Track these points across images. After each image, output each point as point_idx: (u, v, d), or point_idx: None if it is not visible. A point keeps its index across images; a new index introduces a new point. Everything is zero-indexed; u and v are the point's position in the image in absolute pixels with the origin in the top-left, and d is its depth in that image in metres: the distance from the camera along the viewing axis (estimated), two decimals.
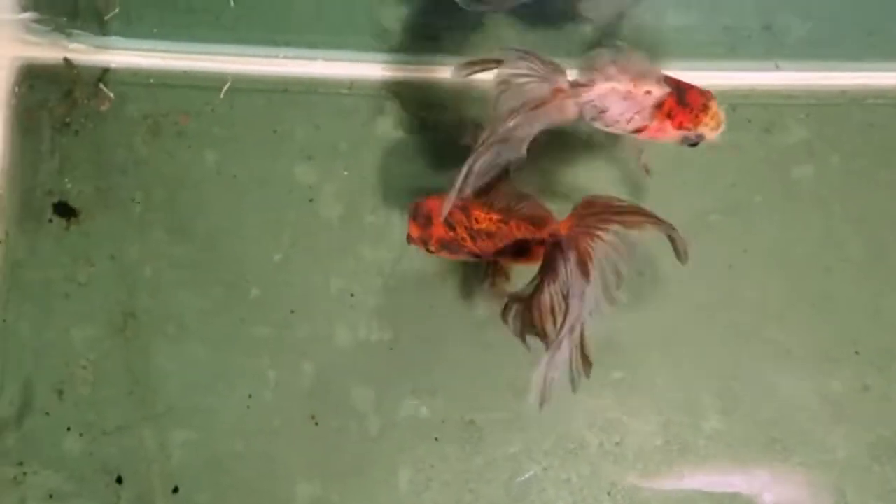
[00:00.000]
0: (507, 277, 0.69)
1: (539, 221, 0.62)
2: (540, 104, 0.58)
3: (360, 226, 0.75)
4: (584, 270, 0.57)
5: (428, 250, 0.66)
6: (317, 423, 0.72)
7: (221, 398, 0.72)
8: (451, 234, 0.64)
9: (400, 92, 0.76)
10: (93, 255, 0.73)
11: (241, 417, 0.72)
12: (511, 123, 0.57)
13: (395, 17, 0.76)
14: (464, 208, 0.63)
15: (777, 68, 0.74)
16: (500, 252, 0.64)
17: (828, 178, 0.74)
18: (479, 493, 0.71)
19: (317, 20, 0.75)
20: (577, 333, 0.57)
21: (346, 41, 0.75)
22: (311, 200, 0.75)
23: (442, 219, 0.61)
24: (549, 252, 0.60)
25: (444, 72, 0.75)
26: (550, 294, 0.59)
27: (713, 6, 0.75)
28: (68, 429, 0.72)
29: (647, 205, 0.70)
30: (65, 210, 0.73)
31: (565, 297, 0.57)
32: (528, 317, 0.60)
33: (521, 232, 0.62)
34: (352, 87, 0.76)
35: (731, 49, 0.75)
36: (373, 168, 0.75)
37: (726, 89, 0.74)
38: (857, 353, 0.71)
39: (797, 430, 0.71)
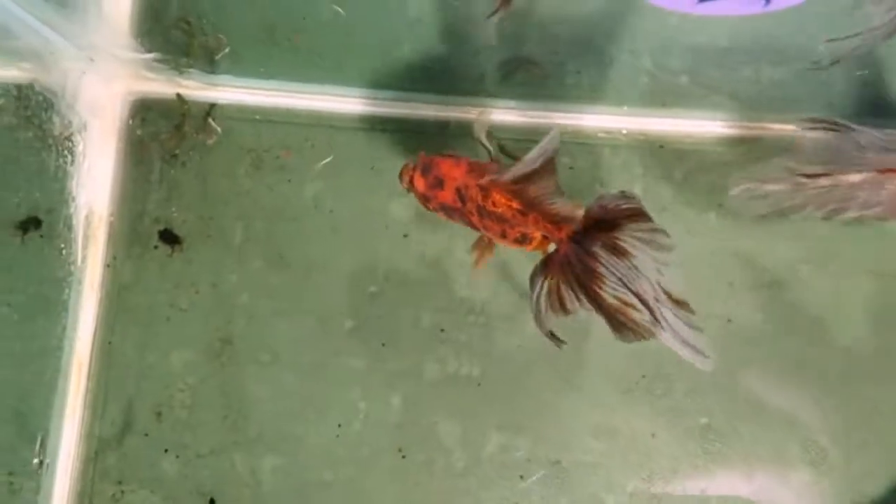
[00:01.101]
0: (491, 252, 0.69)
1: (562, 221, 0.60)
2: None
3: (452, 262, 0.76)
4: (622, 252, 0.56)
5: (425, 206, 0.66)
6: (404, 456, 0.74)
7: (311, 426, 0.74)
8: (459, 204, 0.64)
9: (492, 132, 0.77)
10: (194, 281, 0.76)
11: (330, 446, 0.74)
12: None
13: (492, 64, 0.77)
14: (482, 187, 0.62)
15: None
16: (501, 234, 0.63)
17: None
18: None
19: (416, 67, 0.78)
20: (659, 294, 0.55)
21: (445, 86, 0.77)
22: (405, 236, 0.77)
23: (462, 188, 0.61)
24: (566, 249, 0.58)
25: (540, 117, 0.77)
26: (568, 286, 0.58)
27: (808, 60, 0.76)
28: (165, 450, 0.74)
29: (739, 255, 0.71)
30: (170, 237, 0.76)
31: (624, 285, 0.55)
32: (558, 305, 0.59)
33: (537, 227, 0.61)
34: (448, 128, 0.78)
35: (828, 102, 0.76)
36: None
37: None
38: None
39: (889, 483, 0.70)
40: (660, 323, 0.55)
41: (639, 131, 0.76)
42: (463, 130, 0.78)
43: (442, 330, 0.75)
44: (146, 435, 0.74)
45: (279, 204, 0.78)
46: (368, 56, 0.78)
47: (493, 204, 0.62)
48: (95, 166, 0.76)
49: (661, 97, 0.76)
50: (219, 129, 0.78)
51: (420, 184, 0.65)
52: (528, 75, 0.77)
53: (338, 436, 0.74)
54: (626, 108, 0.76)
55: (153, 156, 0.77)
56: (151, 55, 0.76)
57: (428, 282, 0.76)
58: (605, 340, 0.71)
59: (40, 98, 0.75)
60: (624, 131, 0.76)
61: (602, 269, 0.56)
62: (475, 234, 0.68)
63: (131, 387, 0.74)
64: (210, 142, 0.78)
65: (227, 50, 0.78)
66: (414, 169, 0.65)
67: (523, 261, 0.74)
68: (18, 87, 0.76)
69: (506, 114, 0.77)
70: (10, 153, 0.76)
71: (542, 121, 0.77)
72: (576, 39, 0.77)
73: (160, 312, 0.76)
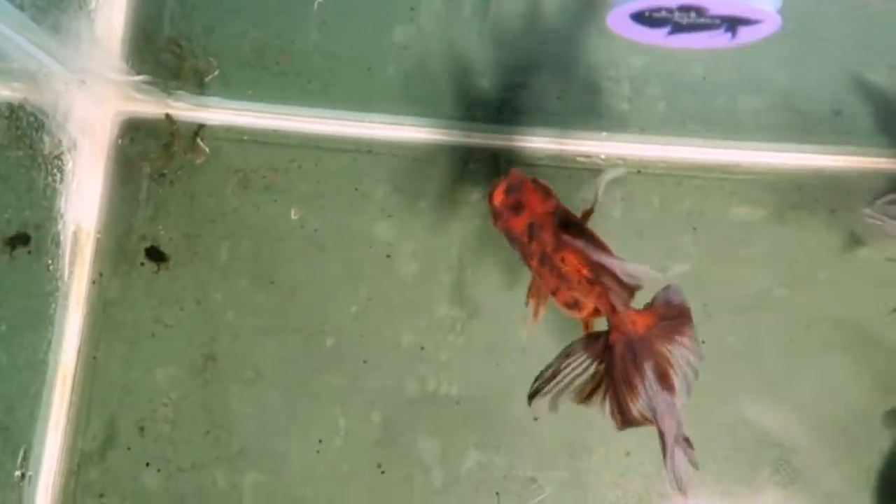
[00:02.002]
0: (546, 302, 0.63)
1: (619, 309, 0.56)
2: None
3: (434, 283, 0.78)
4: (668, 384, 0.54)
5: (492, 220, 0.62)
6: (383, 472, 0.75)
7: (293, 443, 0.75)
8: (525, 238, 0.60)
9: (480, 157, 0.79)
10: (179, 298, 0.77)
11: (310, 463, 0.75)
12: None
13: (477, 89, 0.79)
14: (558, 239, 0.58)
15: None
16: (553, 290, 0.59)
17: (891, 256, 0.75)
18: None
19: (402, 89, 0.79)
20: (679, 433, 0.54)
21: (430, 110, 0.79)
22: (388, 257, 0.78)
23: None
24: (617, 348, 0.55)
25: (520, 141, 0.79)
26: (617, 389, 0.55)
27: (785, 90, 0.78)
28: (147, 464, 0.75)
29: (713, 278, 0.73)
30: (156, 255, 0.78)
31: (653, 413, 0.54)
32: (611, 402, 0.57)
33: (595, 301, 0.57)
34: (433, 152, 0.80)
35: (802, 131, 0.78)
36: (449, 229, 0.78)
37: (795, 169, 0.77)
38: None
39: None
40: (667, 457, 0.54)
41: (617, 156, 0.78)
42: (446, 154, 0.79)
43: (422, 349, 0.76)
44: (129, 449, 0.75)
45: (265, 223, 0.79)
46: (354, 79, 0.80)
47: (563, 260, 0.58)
48: (84, 185, 0.77)
49: (639, 123, 0.78)
50: (207, 149, 0.79)
51: (498, 198, 0.61)
52: (515, 99, 0.78)
53: (318, 452, 0.75)
54: (605, 133, 0.78)
55: (141, 175, 0.79)
56: (142, 77, 0.78)
57: (409, 302, 0.77)
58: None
59: (31, 118, 0.76)
60: (602, 156, 0.78)
61: (641, 390, 0.54)
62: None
63: (115, 401, 0.75)
64: (198, 161, 0.79)
65: (216, 72, 0.80)
66: (500, 181, 0.62)
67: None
68: (10, 106, 0.77)
69: (487, 138, 0.79)
70: (1, 171, 0.77)
71: (522, 144, 0.78)
72: (557, 65, 0.79)
73: (145, 328, 0.77)
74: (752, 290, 0.76)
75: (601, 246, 0.58)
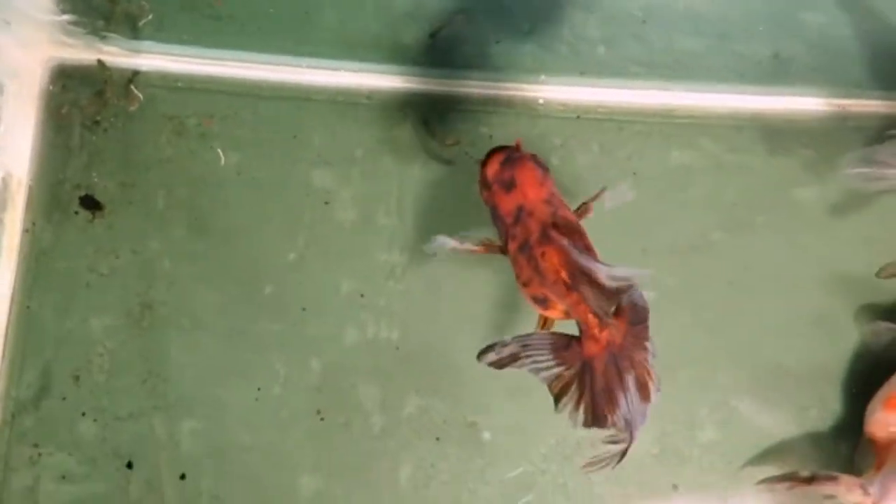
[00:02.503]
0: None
1: (603, 322, 0.54)
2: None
3: (372, 229, 0.77)
4: (646, 394, 0.54)
5: (480, 192, 0.60)
6: (322, 419, 0.74)
7: (231, 391, 0.75)
8: (509, 220, 0.57)
9: (417, 104, 0.78)
10: (115, 247, 0.76)
11: (249, 410, 0.74)
12: None
13: (414, 33, 0.78)
14: (545, 233, 0.55)
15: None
16: (525, 281, 0.57)
17: (829, 200, 0.76)
18: (478, 492, 0.73)
19: (339, 34, 0.78)
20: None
21: (367, 54, 0.78)
22: (326, 203, 0.77)
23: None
24: (597, 362, 0.54)
25: (458, 86, 0.78)
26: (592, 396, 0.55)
27: (724, 33, 0.78)
28: (83, 413, 0.74)
29: (653, 221, 0.73)
30: (90, 203, 0.76)
31: (628, 423, 0.54)
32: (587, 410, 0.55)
33: (570, 307, 0.55)
34: (370, 98, 0.79)
35: (740, 74, 0.77)
36: (387, 175, 0.78)
37: (733, 112, 0.77)
38: (853, 369, 0.73)
39: (791, 442, 0.72)
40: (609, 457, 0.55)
41: (556, 101, 0.78)
42: (384, 100, 0.79)
43: (362, 295, 0.76)
44: (64, 398, 0.74)
45: (201, 171, 0.78)
46: (291, 23, 0.79)
47: (543, 255, 0.55)
48: (14, 131, 0.76)
49: (578, 67, 0.78)
50: (141, 96, 0.78)
51: (492, 169, 0.58)
52: (453, 43, 0.78)
53: (257, 399, 0.75)
54: (543, 77, 0.77)
55: (74, 122, 0.78)
56: (70, 17, 0.76)
57: (348, 248, 0.77)
58: (521, 306, 0.73)
59: None
60: (541, 101, 0.78)
61: (623, 402, 0.54)
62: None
63: (49, 351, 0.75)
64: (132, 108, 0.78)
65: (149, 17, 0.79)
66: (498, 152, 0.59)
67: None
68: None
69: (425, 83, 0.78)
70: None
71: (461, 88, 0.78)
72: (496, 9, 0.78)
73: (80, 278, 0.76)
74: (691, 234, 0.76)
75: (588, 248, 0.56)
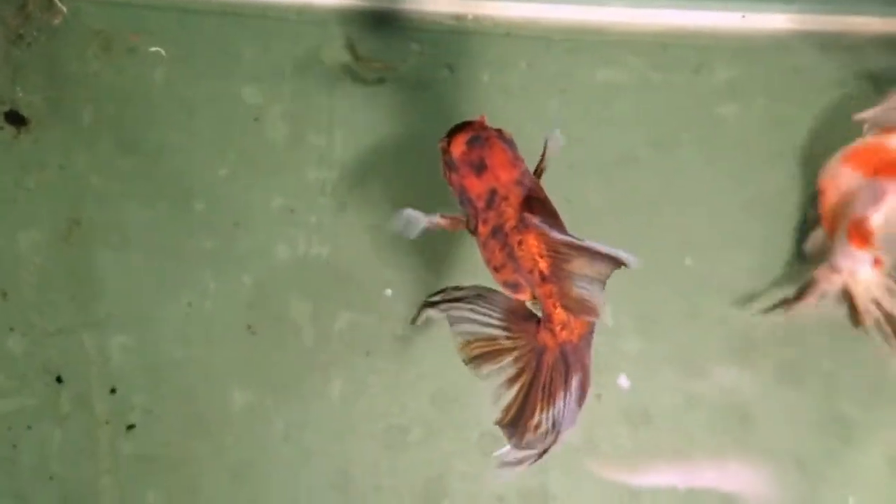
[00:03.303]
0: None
1: (564, 319, 0.53)
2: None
3: (303, 146, 0.77)
4: (583, 397, 0.54)
5: (444, 173, 0.56)
6: (254, 333, 0.75)
7: (161, 306, 0.75)
8: (480, 204, 0.54)
9: (347, 20, 0.78)
10: (42, 162, 0.76)
11: (180, 325, 0.75)
12: None
13: None
14: (521, 221, 0.53)
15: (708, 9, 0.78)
16: (496, 265, 0.55)
17: (751, 119, 0.77)
18: (406, 404, 0.74)
19: None
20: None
21: None
22: (256, 120, 0.77)
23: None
24: (547, 356, 0.53)
25: (389, 2, 0.78)
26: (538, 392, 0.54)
27: None
28: (11, 329, 0.74)
29: (579, 139, 0.74)
30: (15, 118, 0.75)
31: (554, 424, 0.53)
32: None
33: (546, 300, 0.53)
34: (301, 13, 0.78)
35: None
36: (318, 92, 0.78)
37: (658, 29, 0.78)
38: (774, 284, 0.75)
39: (713, 352, 0.74)
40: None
41: (486, 17, 0.78)
42: (315, 16, 0.78)
43: (292, 211, 0.76)
44: None
45: (129, 87, 0.77)
46: None
47: (520, 244, 0.53)
48: None
49: None
50: (64, 9, 0.77)
51: (458, 150, 0.53)
52: None
53: (188, 315, 0.75)
54: None
55: None
56: None
57: (279, 165, 0.77)
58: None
59: None
60: (471, 17, 0.78)
61: (560, 404, 0.53)
62: None
63: None
64: (56, 22, 0.77)
65: None
66: (463, 128, 0.54)
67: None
68: None
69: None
70: None
71: (391, 5, 0.78)
72: None
73: (6, 193, 0.75)
74: (617, 151, 0.77)
75: (556, 219, 0.55)
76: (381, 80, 0.78)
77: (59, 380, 0.74)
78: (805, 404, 0.73)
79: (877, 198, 0.66)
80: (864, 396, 0.73)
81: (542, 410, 0.53)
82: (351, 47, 0.77)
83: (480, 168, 0.54)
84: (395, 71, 0.78)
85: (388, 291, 0.75)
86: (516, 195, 0.54)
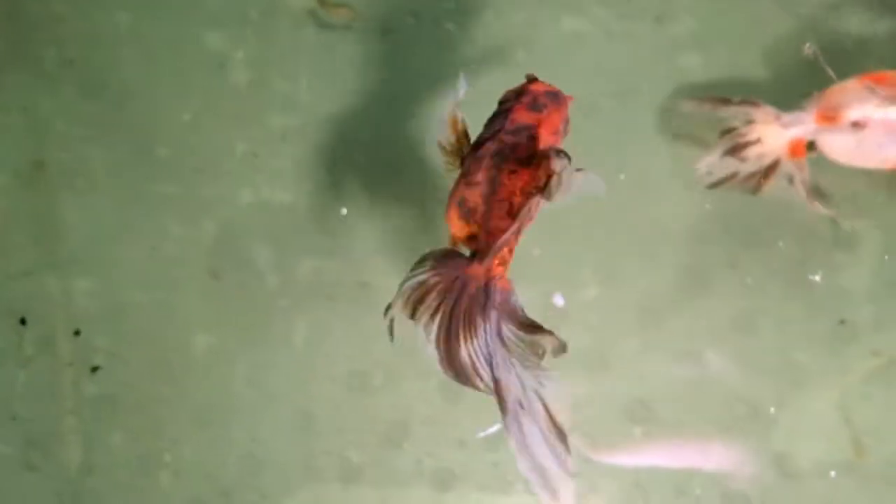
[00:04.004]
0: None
1: (501, 262, 0.55)
2: None
3: (267, 92, 0.77)
4: (504, 344, 0.53)
5: (508, 94, 0.59)
6: (216, 278, 0.76)
7: (125, 250, 0.75)
8: (507, 128, 0.56)
9: None
10: (4, 104, 0.76)
11: (143, 269, 0.75)
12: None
13: None
14: (531, 160, 0.55)
15: None
16: (465, 182, 0.56)
17: (713, 69, 0.78)
18: (370, 350, 0.75)
19: None
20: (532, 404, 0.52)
21: None
22: (220, 65, 0.77)
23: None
24: (471, 285, 0.54)
25: None
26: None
27: None
28: None
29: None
30: None
31: (489, 364, 0.52)
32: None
33: (490, 229, 0.55)
34: None
35: None
36: (282, 38, 0.78)
37: None
38: (726, 231, 0.75)
39: (668, 300, 0.75)
40: (508, 422, 0.52)
41: None
42: None
43: (256, 156, 0.77)
44: None
45: (93, 30, 0.77)
46: None
47: (512, 173, 0.55)
48: None
49: None
50: None
51: (538, 87, 0.58)
52: None
53: (151, 258, 0.75)
54: None
55: None
56: None
57: (242, 110, 0.77)
58: (414, 167, 0.75)
59: None
60: None
61: (481, 333, 0.52)
62: None
63: None
64: None
65: None
66: (550, 86, 0.58)
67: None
68: None
69: None
70: None
71: None
72: None
73: None
74: (580, 101, 0.77)
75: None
76: (346, 27, 0.78)
77: (22, 322, 0.74)
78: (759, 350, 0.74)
79: (867, 98, 0.67)
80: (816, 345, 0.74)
81: (465, 340, 0.53)
82: None
83: (537, 109, 0.57)
84: (361, 17, 0.78)
85: (351, 237, 0.76)
86: (543, 142, 0.56)
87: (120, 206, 0.76)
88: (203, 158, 0.76)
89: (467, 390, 0.65)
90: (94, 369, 0.74)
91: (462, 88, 0.60)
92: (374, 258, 0.76)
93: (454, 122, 0.59)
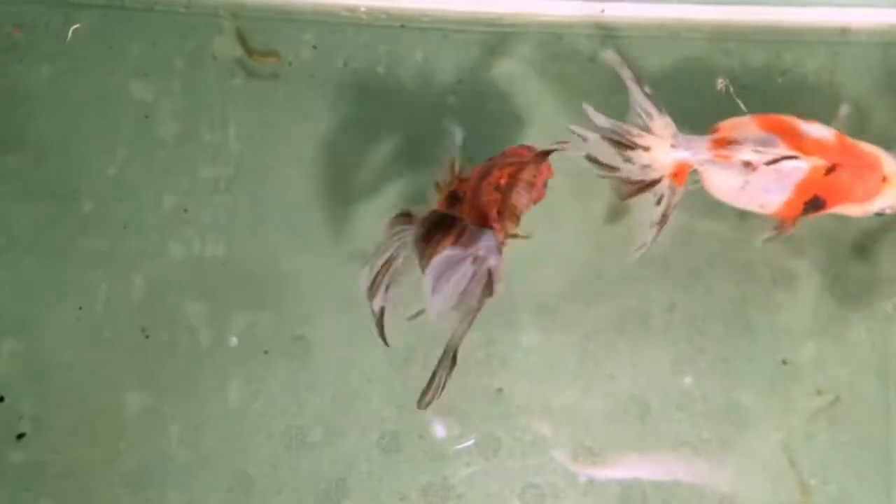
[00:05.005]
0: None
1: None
2: None
3: (196, 144, 0.76)
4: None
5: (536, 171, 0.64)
6: (147, 336, 0.73)
7: (50, 310, 0.73)
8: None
9: (238, 13, 0.76)
10: None
11: (70, 329, 0.73)
12: None
13: None
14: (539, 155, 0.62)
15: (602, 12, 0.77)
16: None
17: None
18: (306, 404, 0.73)
19: None
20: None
21: None
22: (146, 117, 0.75)
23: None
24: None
25: None
26: None
27: None
28: None
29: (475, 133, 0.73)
30: None
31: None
32: None
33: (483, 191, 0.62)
34: (189, 7, 0.77)
35: None
36: (209, 87, 0.76)
37: (554, 20, 0.77)
38: (665, 272, 0.75)
39: (608, 342, 0.74)
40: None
41: (379, 9, 0.77)
42: (205, 9, 0.77)
43: (185, 210, 0.75)
44: None
45: (11, 84, 0.75)
46: None
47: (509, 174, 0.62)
48: None
49: None
50: None
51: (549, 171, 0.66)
52: None
53: (78, 319, 0.73)
54: None
55: None
56: None
57: (170, 163, 0.75)
58: (348, 216, 0.73)
59: None
60: (363, 9, 0.77)
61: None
62: None
63: None
64: None
65: None
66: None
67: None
68: None
69: None
70: None
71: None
72: None
73: None
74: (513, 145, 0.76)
75: None
76: (275, 75, 0.77)
77: None
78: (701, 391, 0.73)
79: (763, 142, 0.66)
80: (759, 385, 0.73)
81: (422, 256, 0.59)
82: (242, 41, 0.76)
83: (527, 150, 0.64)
84: (289, 65, 0.76)
85: (286, 290, 0.74)
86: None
87: (45, 265, 0.73)
88: (130, 213, 0.74)
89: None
90: (20, 436, 0.72)
91: (458, 134, 0.65)
92: (309, 310, 0.74)
93: (452, 165, 0.64)
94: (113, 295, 0.74)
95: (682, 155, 0.66)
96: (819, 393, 0.73)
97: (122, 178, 0.75)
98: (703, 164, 0.66)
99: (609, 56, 0.66)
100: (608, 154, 0.65)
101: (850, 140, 0.68)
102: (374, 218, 0.73)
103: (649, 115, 0.66)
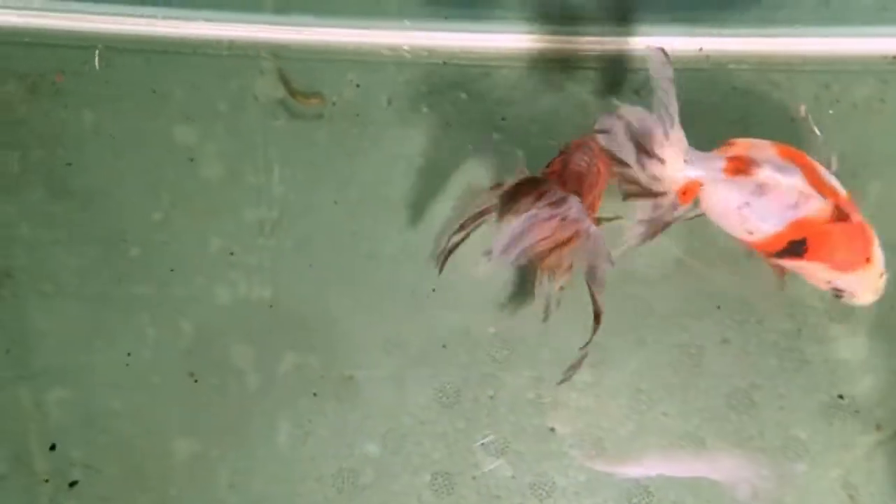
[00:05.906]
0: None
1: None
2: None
3: (240, 186, 0.75)
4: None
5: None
6: (196, 381, 0.73)
7: (99, 356, 0.73)
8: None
9: (279, 53, 0.76)
10: None
11: (118, 375, 0.73)
12: None
13: None
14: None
15: None
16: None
17: None
18: (356, 446, 0.73)
19: None
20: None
21: (225, 2, 0.76)
22: (191, 160, 0.75)
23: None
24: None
25: (323, 34, 0.76)
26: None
27: None
28: None
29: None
30: None
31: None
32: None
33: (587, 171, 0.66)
34: (231, 48, 0.76)
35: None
36: (253, 129, 0.76)
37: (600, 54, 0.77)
38: (718, 307, 0.74)
39: (661, 380, 0.73)
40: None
41: (421, 47, 0.76)
42: (247, 50, 0.76)
43: (231, 253, 0.74)
44: None
45: (57, 131, 0.75)
46: None
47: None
48: None
49: (442, 10, 0.76)
50: None
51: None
52: None
53: (127, 364, 0.73)
54: (407, 22, 0.76)
55: None
56: None
57: (215, 206, 0.75)
58: (396, 256, 0.73)
59: None
60: (406, 48, 0.76)
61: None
62: None
63: None
64: None
65: None
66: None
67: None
68: None
69: (285, 31, 0.76)
70: None
71: (324, 37, 0.76)
72: None
73: None
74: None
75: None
76: (318, 115, 0.76)
77: None
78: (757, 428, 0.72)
79: (783, 170, 0.64)
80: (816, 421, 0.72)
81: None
82: (285, 82, 0.75)
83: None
84: (332, 105, 0.76)
85: (333, 330, 0.73)
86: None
87: (92, 311, 0.73)
88: (176, 257, 0.74)
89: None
90: (73, 484, 0.72)
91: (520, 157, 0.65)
92: (358, 352, 0.74)
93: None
94: (161, 340, 0.73)
95: (695, 173, 0.65)
96: (878, 428, 0.71)
97: (167, 222, 0.74)
98: (713, 182, 0.65)
99: (653, 52, 0.63)
100: (626, 149, 0.63)
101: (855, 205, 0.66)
102: (421, 257, 0.72)
103: (671, 122, 0.64)
